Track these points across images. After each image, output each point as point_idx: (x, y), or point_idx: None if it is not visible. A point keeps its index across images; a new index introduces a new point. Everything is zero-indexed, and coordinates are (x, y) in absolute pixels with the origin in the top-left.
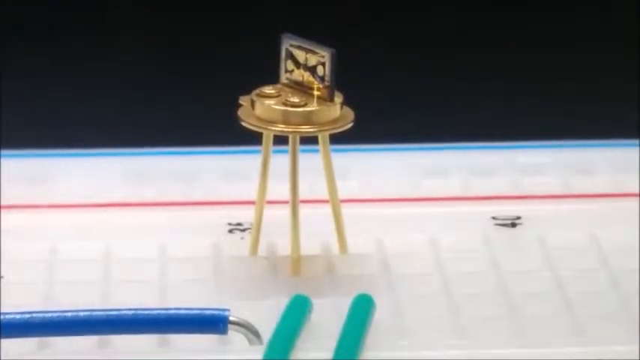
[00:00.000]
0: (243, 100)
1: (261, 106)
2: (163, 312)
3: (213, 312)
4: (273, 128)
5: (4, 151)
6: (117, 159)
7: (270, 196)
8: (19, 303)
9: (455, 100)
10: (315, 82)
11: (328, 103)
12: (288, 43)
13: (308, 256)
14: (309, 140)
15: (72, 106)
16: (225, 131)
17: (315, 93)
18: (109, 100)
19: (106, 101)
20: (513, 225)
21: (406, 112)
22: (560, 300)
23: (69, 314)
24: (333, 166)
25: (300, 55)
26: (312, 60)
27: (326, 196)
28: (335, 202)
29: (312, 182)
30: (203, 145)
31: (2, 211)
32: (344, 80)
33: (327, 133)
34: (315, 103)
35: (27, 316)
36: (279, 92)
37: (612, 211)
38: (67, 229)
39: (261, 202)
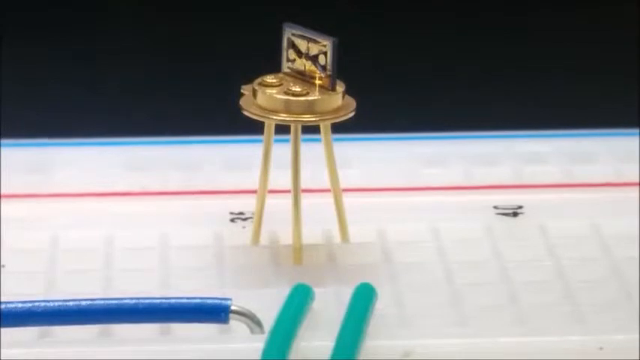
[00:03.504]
0: (245, 89)
1: (263, 95)
2: (165, 301)
3: (215, 301)
4: (275, 117)
5: (5, 141)
6: (118, 148)
7: (271, 186)
8: (20, 292)
9: (456, 90)
10: (317, 71)
11: (330, 92)
12: (290, 32)
13: (310, 246)
14: (311, 129)
15: (73, 94)
16: (227, 120)
17: (317, 82)
18: (111, 89)
19: (108, 90)
20: (515, 214)
21: (408, 101)
22: (561, 289)
23: (70, 303)
24: (335, 155)
25: (302, 44)
26: (314, 49)
27: (328, 185)
28: (337, 191)
29: (314, 171)
30: (205, 134)
31: (3, 200)
32: (346, 69)
33: (328, 123)
34: (316, 93)
35: (28, 305)
36: (280, 81)
37: (614, 201)
38: (69, 218)
39: (262, 191)
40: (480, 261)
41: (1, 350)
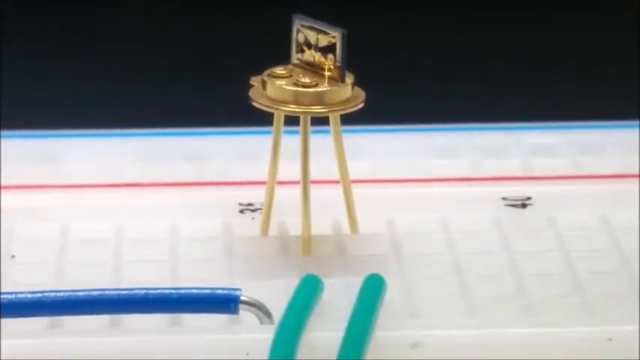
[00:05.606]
0: (255, 81)
1: (272, 87)
2: (175, 291)
3: (225, 291)
4: (285, 108)
5: (16, 132)
6: (129, 139)
7: (281, 177)
8: (30, 282)
9: (465, 81)
10: (326, 63)
11: (339, 83)
12: (299, 24)
13: (319, 236)
14: (320, 121)
15: (84, 86)
16: (237, 112)
17: (326, 73)
18: (121, 80)
19: (119, 82)
20: (524, 205)
21: (417, 92)
22: (570, 280)
23: (81, 294)
24: (344, 146)
25: (311, 36)
26: (323, 40)
27: (337, 176)
28: (346, 182)
29: (323, 162)
30: (214, 125)
31: (14, 191)
32: (355, 60)
33: (338, 114)
34: (326, 84)
35: (39, 295)
36: (290, 73)
37: (622, 192)
38: (79, 209)
39: (272, 182)
40: (489, 252)
41: (12, 340)
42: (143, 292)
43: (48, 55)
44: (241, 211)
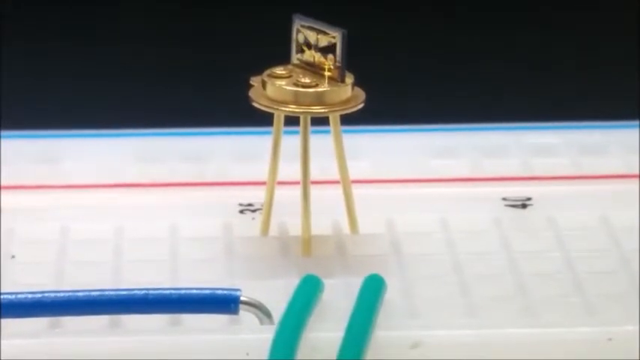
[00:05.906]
0: (255, 81)
1: (272, 87)
2: (175, 292)
3: (225, 292)
4: (284, 109)
5: (16, 132)
6: (129, 139)
7: (281, 177)
8: (30, 282)
9: (466, 81)
10: (326, 63)
11: (339, 83)
12: (299, 24)
13: (319, 237)
14: (320, 121)
15: (84, 86)
16: (237, 112)
17: (326, 73)
18: (121, 80)
19: (119, 82)
20: (524, 206)
21: (417, 92)
22: (570, 280)
23: (80, 294)
24: (344, 146)
25: (311, 36)
26: (323, 40)
27: (337, 176)
28: (346, 182)
29: (323, 163)
30: (214, 125)
31: (14, 191)
32: (355, 60)
33: (338, 114)
34: (326, 84)
35: (39, 295)
36: (290, 73)
37: (622, 192)
38: (79, 209)
39: (272, 182)
40: (489, 252)
41: (13, 340)
42: (143, 292)
43: (48, 55)
44: (241, 212)
